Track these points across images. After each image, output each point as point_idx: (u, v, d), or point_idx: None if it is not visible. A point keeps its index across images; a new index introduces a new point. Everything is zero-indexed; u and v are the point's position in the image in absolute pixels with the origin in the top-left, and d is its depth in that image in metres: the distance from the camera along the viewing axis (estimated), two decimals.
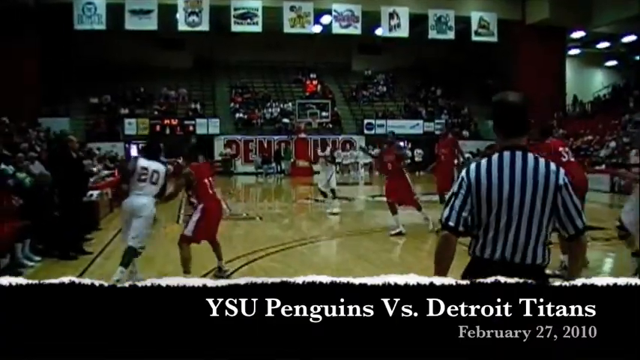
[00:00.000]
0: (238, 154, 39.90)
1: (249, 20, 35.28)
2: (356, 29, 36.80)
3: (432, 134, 41.04)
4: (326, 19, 37.89)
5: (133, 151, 34.98)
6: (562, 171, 3.22)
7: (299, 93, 44.11)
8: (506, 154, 3.20)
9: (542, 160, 3.21)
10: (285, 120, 41.08)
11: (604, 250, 10.86)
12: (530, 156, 3.20)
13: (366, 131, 40.79)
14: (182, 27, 34.96)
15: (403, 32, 37.18)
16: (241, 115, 41.26)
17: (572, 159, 9.51)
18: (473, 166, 3.26)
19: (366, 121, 41.62)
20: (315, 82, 44.72)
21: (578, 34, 43.12)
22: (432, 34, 37.72)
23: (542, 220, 3.14)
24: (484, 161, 3.24)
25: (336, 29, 36.77)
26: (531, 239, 3.13)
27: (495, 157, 3.22)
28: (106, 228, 13.47)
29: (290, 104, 42.06)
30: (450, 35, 37.91)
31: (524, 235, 3.13)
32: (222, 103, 42.56)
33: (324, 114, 40.27)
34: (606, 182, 23.08)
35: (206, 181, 8.82)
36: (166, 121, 38.48)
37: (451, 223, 3.23)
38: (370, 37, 40.14)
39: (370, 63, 47.15)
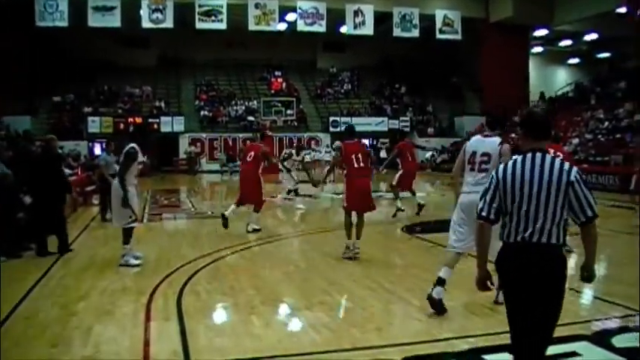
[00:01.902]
0: (203, 152, 39.70)
1: (213, 18, 35.09)
2: (321, 27, 36.82)
3: (397, 131, 41.29)
4: (291, 17, 37.84)
5: (97, 150, 34.64)
6: (574, 169, 3.83)
7: (264, 91, 44.05)
8: (529, 155, 3.89)
9: (557, 160, 3.87)
10: (251, 118, 40.97)
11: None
12: (548, 157, 3.88)
13: (331, 129, 40.86)
14: (146, 24, 34.67)
15: (368, 30, 37.26)
16: (206, 112, 41.07)
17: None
18: (502, 166, 4.00)
19: (331, 119, 41.68)
20: (280, 80, 44.68)
21: (541, 32, 43.71)
22: (397, 32, 37.88)
23: (556, 209, 3.78)
24: (511, 162, 3.95)
25: (301, 27, 36.75)
26: (547, 223, 3.77)
27: (520, 157, 3.92)
28: (70, 227, 13.28)
29: (255, 102, 41.96)
30: (415, 33, 38.10)
31: (542, 220, 3.77)
32: (187, 100, 42.34)
33: (289, 112, 40.25)
34: None
35: None
36: (130, 120, 38.09)
37: (484, 214, 4.00)
38: (335, 35, 40.18)
39: (335, 61, 47.26)
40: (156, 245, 11.10)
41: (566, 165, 3.84)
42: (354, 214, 10.18)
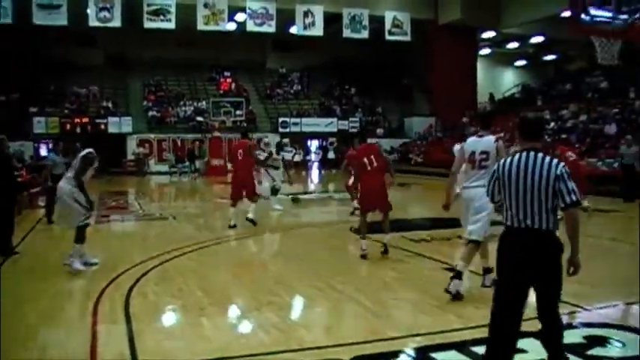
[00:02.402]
0: (151, 153, 39.26)
1: (162, 17, 34.69)
2: (270, 27, 36.71)
3: (346, 132, 41.50)
4: (240, 17, 37.66)
5: (43, 151, 34.05)
6: (561, 164, 4.49)
7: (213, 91, 43.80)
8: (524, 153, 4.59)
9: (547, 158, 4.53)
10: (199, 118, 40.67)
11: None
12: (540, 154, 4.54)
13: (280, 129, 40.83)
14: (93, 23, 34.05)
15: (318, 31, 37.30)
16: (154, 113, 40.64)
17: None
18: (502, 161, 4.74)
19: (280, 119, 41.66)
20: (229, 80, 44.45)
21: (489, 35, 44.33)
22: (347, 33, 37.98)
23: (547, 198, 4.43)
24: (509, 158, 4.65)
25: (251, 27, 36.58)
26: (539, 210, 4.44)
27: (517, 155, 4.62)
28: (15, 230, 13.02)
29: (204, 102, 41.66)
30: (365, 34, 38.26)
31: (536, 208, 4.44)
32: (135, 101, 41.81)
33: (238, 112, 40.01)
34: None
35: None
36: (77, 120, 37.52)
37: (494, 200, 4.85)
38: (285, 36, 40.08)
39: (285, 61, 47.24)
40: (103, 247, 10.94)
41: (554, 161, 4.51)
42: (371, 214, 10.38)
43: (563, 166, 4.50)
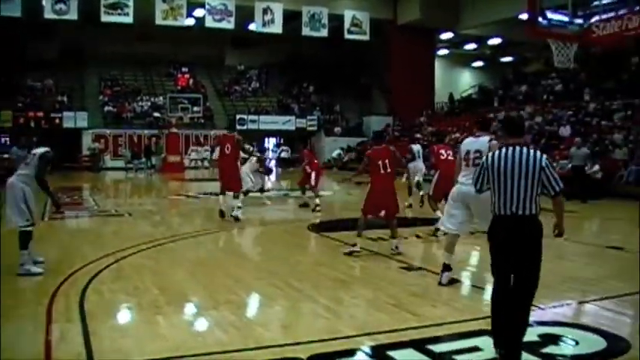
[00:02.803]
0: (107, 148, 38.84)
1: (119, 11, 34.31)
2: (229, 23, 36.58)
3: (304, 130, 41.60)
4: (199, 13, 37.46)
5: None
6: (544, 156, 5.04)
7: (170, 87, 43.52)
8: (510, 147, 5.09)
9: (531, 150, 5.05)
10: (156, 114, 40.40)
11: (471, 244, 11.27)
12: (524, 148, 5.05)
13: (238, 126, 40.64)
14: (49, 15, 33.56)
15: (277, 28, 37.27)
16: (111, 108, 40.24)
17: (450, 157, 11.97)
18: (490, 154, 5.24)
19: (238, 117, 41.52)
20: (187, 76, 44.23)
21: (447, 35, 44.71)
22: (306, 31, 38.04)
23: (532, 187, 4.94)
24: (497, 152, 5.14)
25: (209, 23, 36.41)
26: (525, 198, 4.94)
27: (503, 149, 5.11)
28: None
29: (161, 98, 41.40)
30: (324, 33, 38.34)
31: (522, 196, 4.94)
32: (91, 95, 41.35)
33: (195, 109, 39.82)
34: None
35: None
36: (31, 114, 36.92)
37: (477, 187, 5.36)
38: (244, 32, 39.97)
39: (243, 58, 47.13)
40: (57, 244, 10.80)
41: (538, 154, 5.04)
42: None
43: (547, 158, 5.08)
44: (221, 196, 14.59)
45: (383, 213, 10.27)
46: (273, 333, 6.01)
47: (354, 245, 10.07)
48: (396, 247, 10.16)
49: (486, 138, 7.85)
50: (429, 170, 16.36)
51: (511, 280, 5.03)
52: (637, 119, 24.81)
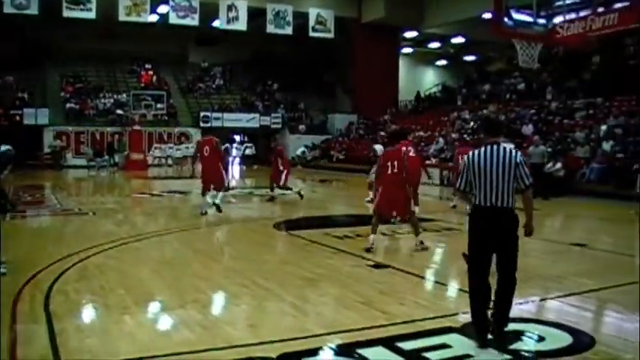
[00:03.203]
0: (69, 146, 38.33)
1: (82, 6, 33.88)
2: (193, 20, 36.33)
3: (268, 128, 41.54)
4: (163, 9, 37.16)
5: None
6: (519, 154, 5.60)
7: (133, 84, 43.04)
8: (489, 147, 5.56)
9: (507, 149, 5.57)
10: (119, 111, 39.94)
11: (434, 240, 11.35)
12: (502, 146, 5.55)
13: (202, 124, 40.48)
14: (8, 9, 33.00)
15: (241, 25, 37.14)
16: (72, 105, 39.67)
17: (412, 154, 12.75)
18: (470, 153, 5.67)
19: (202, 114, 41.22)
20: (150, 73, 43.78)
21: (411, 34, 44.91)
22: (270, 29, 37.95)
23: (509, 181, 5.44)
24: (477, 151, 5.60)
25: (173, 19, 36.14)
26: (503, 192, 5.43)
27: (483, 148, 5.58)
28: None
29: (124, 95, 40.93)
30: (288, 30, 38.30)
31: (500, 190, 5.43)
32: (52, 92, 40.70)
33: (159, 106, 39.40)
34: (436, 176, 24.11)
35: None
36: None
37: (461, 187, 5.75)
38: (208, 29, 39.72)
39: (207, 55, 46.83)
40: (20, 244, 10.62)
41: (514, 152, 5.58)
42: None
43: (521, 155, 5.64)
44: (202, 197, 15.17)
45: (395, 214, 10.37)
46: (241, 332, 5.99)
47: (372, 244, 10.19)
48: (421, 243, 10.34)
49: (510, 146, 8.08)
50: None
51: (487, 266, 5.53)
52: (598, 118, 25.18)
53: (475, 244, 5.58)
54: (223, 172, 15.26)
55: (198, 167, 15.52)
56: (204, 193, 15.07)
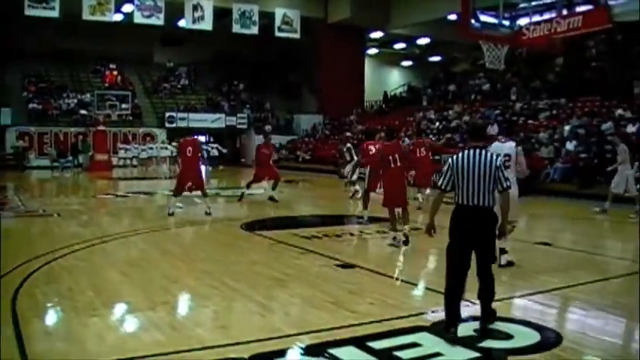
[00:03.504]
0: (32, 146, 37.81)
1: (45, 4, 33.43)
2: (158, 19, 36.08)
3: (234, 128, 41.40)
4: (128, 8, 36.84)
5: None
6: (499, 158, 6.00)
7: (98, 83, 42.60)
8: (472, 150, 5.92)
9: (489, 153, 5.95)
10: (83, 111, 39.52)
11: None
12: (484, 151, 5.95)
13: (167, 124, 40.27)
14: None
15: (207, 25, 36.97)
16: (35, 105, 39.14)
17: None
18: (454, 156, 5.99)
19: (167, 114, 40.98)
20: (114, 73, 43.34)
21: (377, 35, 45.07)
22: (236, 29, 37.84)
23: (489, 183, 5.80)
24: (461, 154, 5.94)
25: (138, 19, 35.85)
26: (484, 192, 5.79)
27: (466, 151, 5.94)
28: None
29: (88, 95, 40.47)
30: (254, 30, 38.22)
31: (482, 190, 5.78)
32: (15, 92, 40.08)
33: (124, 106, 38.98)
34: None
35: None
36: None
37: (442, 187, 6.04)
38: (173, 29, 39.48)
39: (172, 55, 46.52)
40: None
41: (494, 156, 5.97)
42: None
43: (500, 160, 6.06)
44: (173, 198, 15.22)
45: (399, 206, 10.97)
46: (212, 333, 5.99)
47: (394, 239, 10.72)
48: (404, 236, 10.77)
49: (512, 143, 9.21)
50: (360, 167, 16.66)
51: (467, 261, 5.82)
52: (561, 118, 25.53)
53: (457, 239, 5.88)
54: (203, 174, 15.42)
55: (177, 168, 15.54)
56: (177, 194, 15.08)
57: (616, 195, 15.51)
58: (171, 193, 15.74)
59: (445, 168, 6.06)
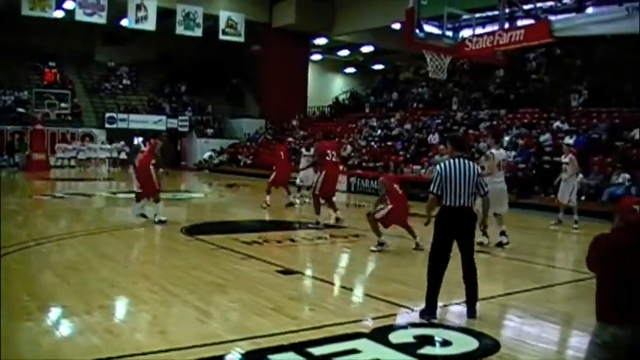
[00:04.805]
0: None
1: None
2: (101, 18, 35.43)
3: (176, 131, 41.04)
4: (69, 5, 36.04)
5: None
6: (478, 167, 7.14)
7: (36, 81, 41.67)
8: (456, 159, 6.90)
9: (470, 162, 6.96)
10: (20, 109, 38.60)
11: (344, 246, 11.49)
12: (467, 160, 6.95)
13: (107, 125, 39.66)
14: None
15: (150, 25, 36.49)
16: None
17: (335, 159, 14.48)
18: (442, 164, 6.96)
19: (107, 115, 40.35)
20: (54, 71, 42.46)
21: (321, 41, 45.18)
22: (180, 30, 37.47)
23: (472, 187, 6.82)
24: (447, 162, 6.89)
25: (80, 16, 35.14)
26: (467, 195, 6.79)
27: (452, 160, 6.90)
28: None
29: (26, 93, 39.56)
30: (198, 32, 37.90)
31: (466, 194, 6.77)
32: None
33: (63, 105, 38.27)
34: (344, 183, 24.39)
35: None
36: None
37: (434, 191, 6.84)
38: (116, 28, 38.91)
39: (114, 54, 45.78)
40: None
41: (475, 165, 7.03)
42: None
43: (479, 168, 7.36)
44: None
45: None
46: (150, 338, 5.93)
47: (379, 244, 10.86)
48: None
49: (504, 152, 12.66)
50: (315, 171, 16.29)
51: (447, 250, 6.77)
52: (501, 129, 26.00)
53: (444, 236, 6.79)
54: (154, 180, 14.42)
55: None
56: (139, 199, 14.59)
57: (566, 205, 15.55)
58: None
59: (435, 175, 6.93)
